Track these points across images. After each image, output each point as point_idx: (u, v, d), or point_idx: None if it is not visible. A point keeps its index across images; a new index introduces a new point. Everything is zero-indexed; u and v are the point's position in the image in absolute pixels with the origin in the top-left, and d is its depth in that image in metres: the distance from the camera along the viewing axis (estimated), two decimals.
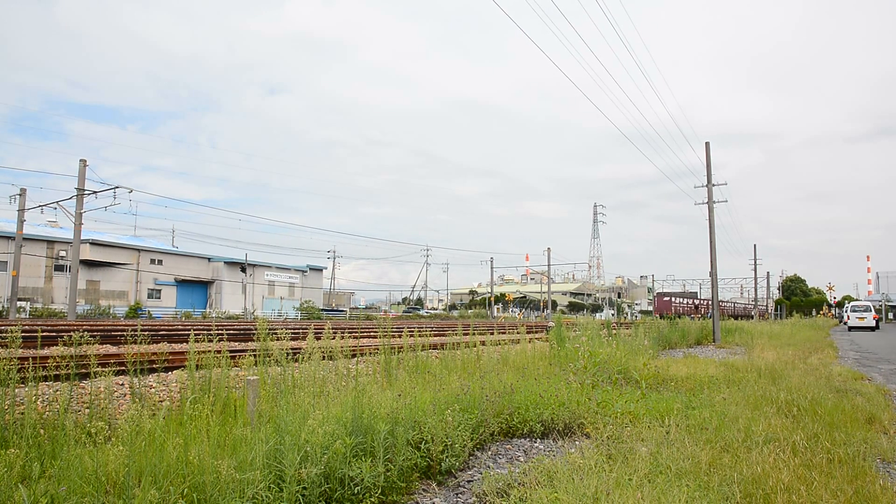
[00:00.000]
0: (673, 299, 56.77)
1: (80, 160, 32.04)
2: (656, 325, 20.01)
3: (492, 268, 79.20)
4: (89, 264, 47.62)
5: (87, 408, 5.07)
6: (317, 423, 3.64)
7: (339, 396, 5.07)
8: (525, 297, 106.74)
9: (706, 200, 23.98)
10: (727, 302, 68.22)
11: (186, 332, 17.94)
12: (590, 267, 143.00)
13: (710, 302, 40.87)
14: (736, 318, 57.49)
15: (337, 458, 3.61)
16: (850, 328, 40.22)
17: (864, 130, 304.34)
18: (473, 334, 11.60)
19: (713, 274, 23.57)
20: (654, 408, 6.18)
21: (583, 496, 3.36)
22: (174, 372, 8.42)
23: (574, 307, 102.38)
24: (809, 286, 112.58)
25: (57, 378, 5.92)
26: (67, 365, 4.86)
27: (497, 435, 5.60)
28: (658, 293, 71.65)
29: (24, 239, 37.77)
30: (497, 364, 8.92)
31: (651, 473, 3.87)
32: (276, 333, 7.11)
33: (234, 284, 57.72)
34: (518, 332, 12.74)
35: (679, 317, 36.02)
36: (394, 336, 9.63)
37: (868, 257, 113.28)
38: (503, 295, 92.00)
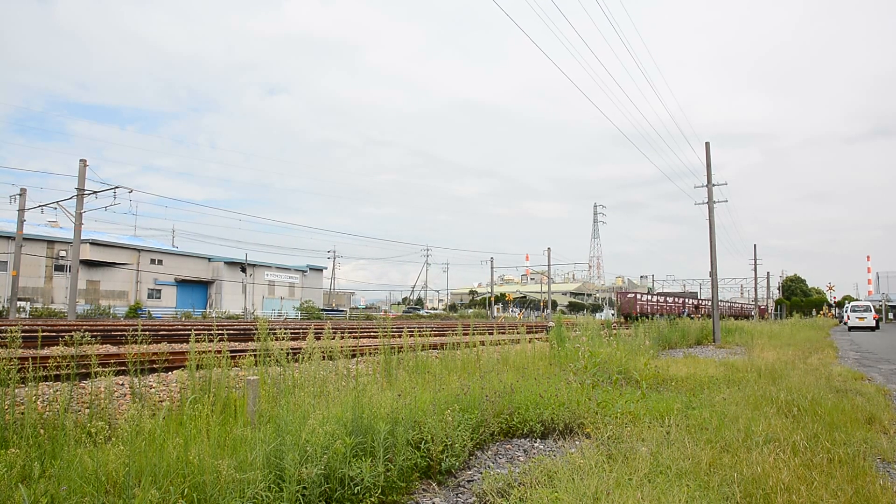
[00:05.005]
0: (639, 296, 44.59)
1: (80, 160, 32.04)
2: (656, 325, 20.00)
3: (492, 268, 79.20)
4: (89, 264, 47.61)
5: (88, 408, 5.06)
6: (317, 423, 3.64)
7: (340, 396, 5.07)
8: (525, 297, 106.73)
9: (706, 200, 23.98)
10: (727, 302, 66.32)
11: (186, 332, 17.94)
12: (590, 267, 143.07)
13: (709, 302, 38.81)
14: (736, 318, 55.23)
15: (337, 458, 3.61)
16: (850, 328, 40.21)
17: (863, 131, 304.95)
18: (473, 334, 11.60)
19: (713, 274, 23.57)
20: (655, 408, 6.18)
21: (583, 496, 3.36)
22: (174, 372, 8.42)
23: (574, 307, 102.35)
24: (809, 286, 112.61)
25: (57, 378, 5.92)
26: (68, 365, 4.86)
27: (497, 435, 5.59)
28: (620, 291, 60.04)
29: (25, 239, 37.75)
30: (497, 364, 8.92)
31: (651, 473, 3.87)
32: (275, 333, 7.11)
33: (235, 284, 57.71)
34: (518, 332, 12.74)
35: (650, 318, 32.51)
36: (394, 336, 9.63)
37: (868, 257, 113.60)
38: (503, 295, 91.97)
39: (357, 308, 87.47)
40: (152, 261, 53.19)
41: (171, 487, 3.05)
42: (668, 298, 49.29)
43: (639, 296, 44.49)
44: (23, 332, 9.02)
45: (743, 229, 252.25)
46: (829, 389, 7.80)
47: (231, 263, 57.90)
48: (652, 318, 31.73)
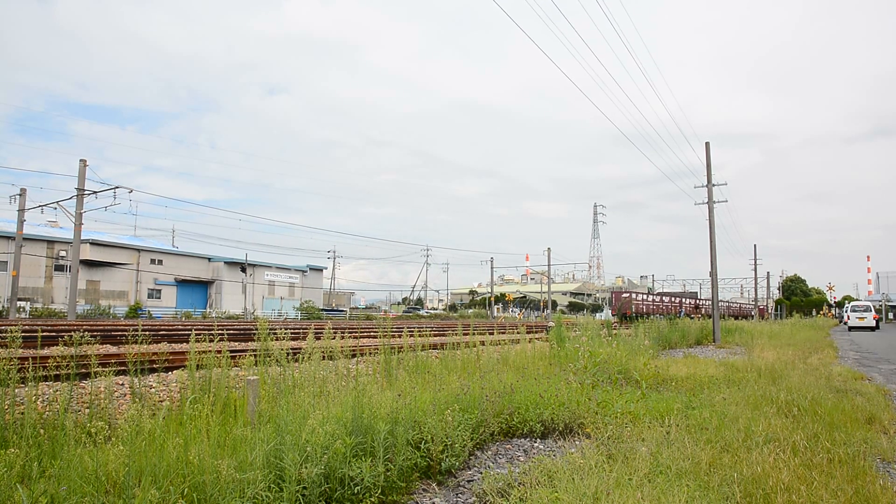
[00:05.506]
0: (635, 296, 43.19)
1: (80, 160, 32.04)
2: (656, 326, 20.00)
3: (492, 268, 79.18)
4: (89, 264, 47.60)
5: (88, 408, 5.06)
6: (317, 423, 3.64)
7: (339, 396, 5.07)
8: (525, 297, 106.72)
9: (706, 200, 23.98)
10: (727, 302, 65.87)
11: (187, 332, 17.94)
12: (590, 267, 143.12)
13: (709, 302, 38.46)
14: (736, 318, 54.79)
15: (337, 458, 3.61)
16: (850, 328, 40.22)
17: (862, 131, 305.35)
18: (473, 334, 11.60)
19: (713, 274, 23.56)
20: (655, 408, 6.18)
21: (583, 496, 3.36)
22: (174, 372, 8.42)
23: (574, 307, 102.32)
24: (809, 286, 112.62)
25: (57, 378, 5.92)
26: (67, 365, 4.86)
27: (497, 435, 5.59)
28: (616, 290, 59.35)
29: (25, 239, 37.75)
30: (497, 364, 8.91)
31: (651, 473, 3.87)
32: (275, 333, 7.11)
33: (235, 284, 57.70)
34: (518, 332, 12.74)
35: (647, 318, 32.45)
36: (394, 336, 9.63)
37: (868, 257, 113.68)
38: (503, 295, 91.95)
39: (357, 308, 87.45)
40: (152, 261, 53.18)
41: (171, 487, 3.04)
42: (664, 298, 48.74)
43: (634, 295, 43.87)
44: (23, 332, 9.01)
45: (743, 229, 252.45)
46: (829, 389, 7.79)
47: (231, 263, 57.89)
48: (648, 318, 31.57)
